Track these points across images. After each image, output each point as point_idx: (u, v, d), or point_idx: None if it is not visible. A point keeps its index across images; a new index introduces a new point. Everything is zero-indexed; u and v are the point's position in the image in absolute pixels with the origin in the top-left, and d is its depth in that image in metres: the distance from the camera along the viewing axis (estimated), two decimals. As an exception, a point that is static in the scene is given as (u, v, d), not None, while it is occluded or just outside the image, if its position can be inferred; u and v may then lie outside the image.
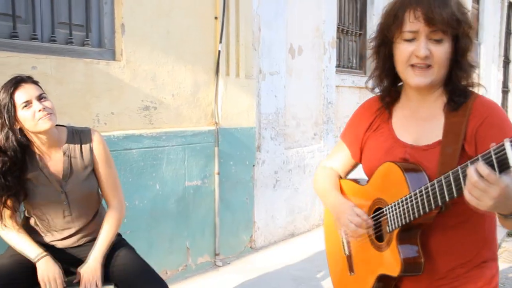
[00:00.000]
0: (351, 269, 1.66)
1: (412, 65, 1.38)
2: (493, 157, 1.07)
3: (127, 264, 2.24)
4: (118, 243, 2.35)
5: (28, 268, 2.10)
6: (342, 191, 1.69)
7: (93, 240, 2.28)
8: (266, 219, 4.66)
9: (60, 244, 2.25)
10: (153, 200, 3.57)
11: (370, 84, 1.58)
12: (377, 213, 1.50)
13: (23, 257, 2.12)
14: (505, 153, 1.03)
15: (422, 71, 1.37)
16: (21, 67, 2.75)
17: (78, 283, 2.16)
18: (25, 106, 2.03)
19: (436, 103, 1.46)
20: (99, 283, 2.15)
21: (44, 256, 2.10)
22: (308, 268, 4.07)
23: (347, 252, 1.68)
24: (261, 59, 4.48)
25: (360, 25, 6.30)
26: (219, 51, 3.99)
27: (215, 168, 4.03)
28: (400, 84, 1.55)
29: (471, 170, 1.10)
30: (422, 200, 1.29)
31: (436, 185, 1.25)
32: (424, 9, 1.33)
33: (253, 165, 4.44)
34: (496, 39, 11.15)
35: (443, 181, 1.23)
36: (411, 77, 1.40)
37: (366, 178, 1.62)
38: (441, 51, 1.35)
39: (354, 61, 6.28)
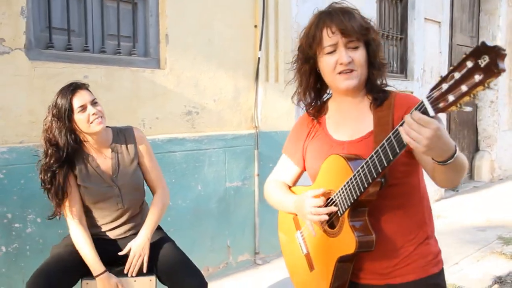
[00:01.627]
0: (311, 266, 1.74)
1: (339, 73, 1.57)
2: (425, 105, 1.24)
3: (168, 256, 2.43)
4: (161, 238, 2.55)
5: (81, 258, 2.32)
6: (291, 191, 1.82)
7: (137, 233, 2.49)
8: (306, 220, 4.78)
9: (111, 234, 2.48)
10: (196, 200, 3.77)
11: (295, 99, 1.76)
12: (328, 202, 1.60)
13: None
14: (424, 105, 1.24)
15: (348, 75, 1.57)
16: (75, 76, 3.00)
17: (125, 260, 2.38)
18: (81, 110, 2.30)
19: (362, 104, 1.66)
20: (146, 258, 2.37)
21: (103, 272, 2.30)
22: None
23: (304, 251, 1.76)
24: (300, 64, 4.61)
25: (401, 30, 6.33)
26: (259, 58, 4.16)
27: (255, 170, 4.20)
28: (325, 97, 1.74)
29: (407, 117, 1.26)
30: (364, 174, 1.43)
31: (373, 157, 1.40)
32: (338, 24, 1.54)
33: (292, 168, 4.56)
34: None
35: (379, 152, 1.38)
36: (340, 82, 1.58)
37: (311, 183, 1.75)
38: (359, 55, 1.57)
39: (395, 65, 6.31)
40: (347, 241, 1.53)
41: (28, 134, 2.86)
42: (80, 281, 2.36)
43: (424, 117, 1.23)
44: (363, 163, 1.44)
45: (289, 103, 4.42)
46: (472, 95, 1.14)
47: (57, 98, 2.31)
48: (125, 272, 2.36)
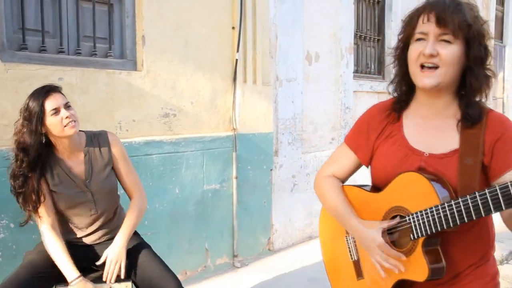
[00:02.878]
0: (359, 274, 1.68)
1: (422, 66, 1.43)
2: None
3: (145, 262, 2.40)
4: (137, 244, 2.51)
5: (55, 264, 2.27)
6: (348, 199, 1.70)
7: (113, 238, 2.46)
8: (284, 222, 4.79)
9: (85, 240, 2.44)
10: (173, 203, 3.74)
11: (391, 88, 1.62)
12: (396, 220, 1.52)
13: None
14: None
15: (429, 72, 1.41)
16: (49, 79, 2.95)
17: (102, 269, 2.34)
18: (54, 113, 2.24)
19: (447, 112, 1.50)
20: (123, 264, 2.33)
21: (78, 277, 2.24)
22: (324, 270, 4.16)
23: (354, 258, 1.70)
24: (278, 66, 4.62)
25: (378, 31, 6.37)
26: (237, 60, 4.15)
27: (233, 172, 4.18)
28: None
29: None
30: (451, 213, 1.34)
31: (469, 201, 1.31)
32: (437, 12, 1.39)
33: (271, 169, 4.57)
34: (522, 41, 11.03)
35: (477, 197, 1.28)
36: (419, 78, 1.44)
37: (364, 183, 1.69)
38: (449, 51, 1.39)
39: (373, 66, 6.36)
40: (417, 267, 1.46)
41: (0, 138, 2.80)
42: (54, 287, 2.31)
43: None
44: (455, 202, 1.34)
45: (267, 105, 4.44)
46: None
47: (29, 101, 2.25)
48: (104, 280, 2.32)
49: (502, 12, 10.14)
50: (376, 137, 1.62)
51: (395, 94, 1.61)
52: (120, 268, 2.33)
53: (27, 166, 2.23)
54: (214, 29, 4.01)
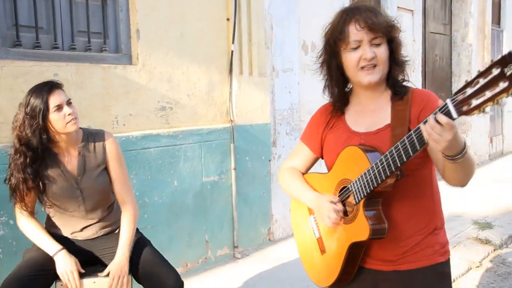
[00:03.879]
0: (322, 250, 1.82)
1: (362, 68, 1.64)
2: (448, 107, 1.31)
3: (144, 256, 2.42)
4: (137, 239, 2.52)
5: (54, 260, 2.29)
6: (308, 184, 1.89)
7: (111, 232, 2.49)
8: (284, 212, 4.80)
9: (80, 236, 2.45)
10: (172, 196, 3.75)
11: (326, 93, 1.83)
12: (343, 191, 1.70)
13: None
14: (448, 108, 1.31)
15: (370, 71, 1.64)
16: (44, 75, 2.95)
17: (99, 267, 2.38)
18: (57, 109, 2.26)
19: (382, 97, 1.73)
20: (126, 278, 2.34)
21: (61, 250, 2.30)
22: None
23: (317, 235, 1.85)
24: (274, 57, 4.61)
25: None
26: (232, 51, 4.14)
27: (232, 163, 4.19)
28: (347, 89, 1.81)
29: (431, 118, 1.34)
30: (383, 167, 1.50)
31: (394, 150, 1.47)
32: (365, 20, 1.60)
33: (269, 160, 4.58)
34: (519, 25, 11.00)
35: (399, 147, 1.45)
36: (363, 77, 1.65)
37: (326, 171, 1.83)
38: (382, 51, 1.63)
39: (370, 54, 6.34)
40: (361, 228, 1.61)
41: (-3, 135, 2.81)
42: (54, 283, 2.33)
43: (450, 122, 1.30)
44: (383, 157, 1.51)
45: (263, 96, 4.44)
46: (495, 101, 1.20)
47: (31, 96, 2.26)
48: None
49: (499, -3, 10.11)
50: (323, 129, 1.84)
51: (329, 96, 1.83)
52: (123, 283, 2.34)
53: (31, 161, 2.25)
54: (209, 21, 4.00)
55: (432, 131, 1.33)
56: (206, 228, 4.05)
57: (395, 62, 1.68)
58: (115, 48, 3.52)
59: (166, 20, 3.68)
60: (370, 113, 1.73)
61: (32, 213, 2.39)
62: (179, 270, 2.47)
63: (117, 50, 3.52)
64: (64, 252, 2.29)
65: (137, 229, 2.57)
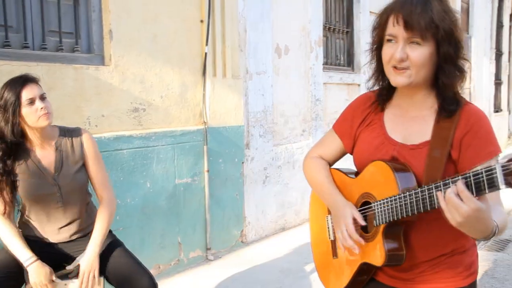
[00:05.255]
0: (334, 253, 1.75)
1: (394, 66, 1.46)
2: (472, 179, 1.20)
3: (117, 258, 2.40)
4: (110, 241, 2.49)
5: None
6: (335, 184, 1.76)
7: (84, 236, 2.45)
8: (257, 214, 4.82)
9: (53, 239, 2.41)
10: (144, 197, 3.73)
11: (371, 83, 1.64)
12: (365, 206, 1.58)
13: None
14: (483, 178, 1.18)
15: (400, 72, 1.45)
16: (14, 74, 2.83)
17: (76, 274, 2.33)
18: (29, 103, 2.24)
19: (424, 104, 1.54)
20: (97, 273, 2.32)
21: (34, 261, 2.24)
22: (297, 261, 4.22)
23: (331, 237, 1.77)
24: (247, 59, 4.63)
25: (347, 23, 6.44)
26: (206, 53, 4.14)
27: (205, 166, 4.19)
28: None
29: (449, 190, 1.24)
30: (411, 202, 1.39)
31: (426, 191, 1.35)
32: (405, 15, 1.41)
33: (242, 162, 4.59)
34: (487, 31, 11.27)
35: (433, 188, 1.32)
36: (392, 77, 1.48)
37: (354, 169, 1.73)
38: (418, 54, 1.41)
39: (342, 58, 6.42)
40: (376, 252, 1.52)
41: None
42: (24, 286, 2.29)
43: (466, 193, 1.20)
44: (415, 191, 1.38)
45: (237, 98, 4.45)
46: None
47: (5, 90, 2.26)
48: None
49: (468, 4, 10.35)
50: (359, 125, 1.68)
51: (374, 89, 1.65)
52: (94, 278, 2.31)
53: (3, 154, 2.23)
54: (183, 22, 4.00)
55: (450, 199, 1.22)
56: (179, 230, 4.03)
57: (442, 71, 1.45)
58: (87, 48, 3.48)
59: (139, 21, 3.66)
60: (410, 120, 1.56)
61: (7, 214, 2.33)
62: (151, 272, 2.45)
63: (90, 50, 3.48)
64: (38, 263, 2.24)
65: (110, 231, 2.55)
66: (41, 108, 2.25)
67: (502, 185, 1.13)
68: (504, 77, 12.66)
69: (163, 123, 3.88)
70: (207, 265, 4.20)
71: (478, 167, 1.21)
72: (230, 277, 3.91)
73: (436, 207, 1.32)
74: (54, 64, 3.18)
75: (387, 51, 1.46)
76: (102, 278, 2.37)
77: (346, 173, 1.74)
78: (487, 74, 11.43)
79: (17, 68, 2.96)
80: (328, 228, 1.79)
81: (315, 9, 5.51)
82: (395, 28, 1.43)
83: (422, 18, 1.38)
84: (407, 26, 1.40)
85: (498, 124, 11.95)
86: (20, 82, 2.28)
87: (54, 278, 2.26)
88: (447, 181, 1.28)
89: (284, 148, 5.17)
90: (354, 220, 1.57)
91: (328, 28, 6.07)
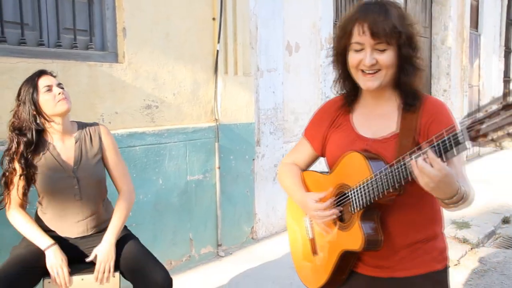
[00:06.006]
0: (314, 251, 1.81)
1: (362, 70, 1.58)
2: (441, 147, 1.29)
3: (132, 253, 2.43)
4: (125, 235, 2.53)
5: (42, 257, 2.29)
6: (306, 182, 1.86)
7: (100, 231, 2.48)
8: (267, 210, 4.84)
9: (70, 233, 2.44)
10: (157, 194, 3.76)
11: (337, 88, 1.76)
12: (341, 196, 1.66)
13: (37, 247, 2.31)
14: (450, 142, 1.27)
15: (371, 76, 1.57)
16: (29, 72, 2.89)
17: (92, 265, 2.36)
18: (47, 90, 2.31)
19: (389, 102, 1.66)
20: (112, 263, 2.36)
21: (52, 245, 2.30)
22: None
23: (310, 236, 1.82)
24: (258, 56, 4.65)
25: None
26: (218, 51, 4.16)
27: (216, 162, 4.22)
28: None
29: (419, 154, 1.33)
30: (382, 181, 1.46)
31: (394, 167, 1.43)
32: (369, 24, 1.51)
33: (253, 159, 4.61)
34: (496, 29, 11.22)
35: (402, 164, 1.41)
36: (362, 81, 1.60)
37: (327, 170, 1.79)
38: (385, 58, 1.54)
39: (352, 55, 6.41)
40: (354, 238, 1.58)
41: (-18, 132, 2.79)
42: (42, 280, 2.33)
43: (437, 161, 1.29)
44: (385, 170, 1.46)
45: (248, 95, 4.47)
46: None
47: (22, 85, 2.34)
48: (95, 281, 2.33)
49: (477, 1, 10.30)
50: (328, 127, 1.78)
51: (341, 92, 1.76)
52: (110, 268, 2.35)
53: (25, 147, 2.27)
54: (195, 20, 4.02)
55: (423, 167, 1.31)
56: (190, 227, 4.06)
57: (404, 69, 1.58)
58: (101, 46, 3.51)
59: (152, 19, 3.69)
60: (377, 118, 1.67)
61: (22, 206, 2.39)
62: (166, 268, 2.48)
63: (103, 48, 3.52)
64: (56, 247, 2.30)
65: (125, 227, 2.58)
66: (59, 93, 2.32)
67: (468, 144, 1.24)
68: (513, 75, 12.60)
69: (175, 120, 3.90)
70: (218, 261, 4.23)
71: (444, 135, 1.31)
72: (242, 273, 3.93)
73: (409, 178, 1.40)
74: (68, 61, 3.22)
75: (355, 57, 1.57)
76: (117, 273, 2.40)
77: (320, 172, 1.82)
78: (496, 72, 11.39)
79: (32, 66, 2.99)
80: (306, 227, 1.86)
81: (325, 6, 5.52)
82: (361, 37, 1.53)
83: (386, 25, 1.50)
84: (374, 34, 1.51)
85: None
86: (37, 73, 2.37)
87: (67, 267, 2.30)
88: (416, 152, 1.37)
89: (294, 145, 5.17)
90: (321, 200, 1.68)
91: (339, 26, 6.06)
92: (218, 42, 4.15)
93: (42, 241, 2.31)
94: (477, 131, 1.21)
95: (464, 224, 5.19)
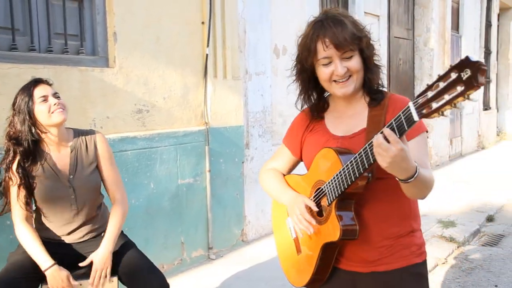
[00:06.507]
0: (298, 249, 1.86)
1: (335, 81, 1.68)
2: (394, 125, 1.39)
3: (130, 258, 2.44)
4: (122, 241, 2.55)
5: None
6: (288, 185, 1.93)
7: (97, 236, 2.49)
8: (257, 213, 4.88)
9: (67, 239, 2.45)
10: (148, 198, 3.77)
11: (299, 104, 1.87)
12: (317, 192, 1.73)
13: None
14: (402, 118, 1.36)
15: (344, 84, 1.67)
16: (21, 77, 2.92)
17: (88, 270, 2.37)
18: (43, 100, 2.30)
19: (359, 103, 1.77)
20: (109, 271, 2.36)
21: (52, 265, 2.28)
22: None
23: (293, 235, 1.89)
24: (247, 60, 4.68)
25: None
26: (207, 55, 4.19)
27: (206, 166, 4.23)
28: (327, 94, 1.84)
29: (378, 134, 1.41)
30: (351, 168, 1.54)
31: (361, 154, 1.51)
32: (331, 37, 1.61)
33: (242, 162, 4.64)
34: (476, 31, 11.42)
35: (367, 149, 1.49)
36: (336, 90, 1.69)
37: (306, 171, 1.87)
38: (354, 63, 1.66)
39: (337, 58, 6.47)
40: (332, 229, 1.64)
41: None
42: (40, 286, 2.33)
43: (392, 136, 1.37)
44: (352, 158, 1.54)
45: (237, 99, 4.50)
46: (453, 105, 1.24)
47: (18, 93, 2.32)
48: (92, 287, 2.34)
49: (458, 4, 10.47)
50: (303, 132, 1.88)
51: (305, 107, 1.87)
52: (106, 275, 2.36)
53: (21, 157, 2.26)
54: (184, 24, 4.04)
55: (380, 144, 1.38)
56: (182, 230, 4.07)
57: (369, 70, 1.71)
58: (92, 50, 3.51)
59: (143, 24, 3.70)
60: (348, 118, 1.77)
61: (26, 219, 2.36)
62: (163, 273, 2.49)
63: (94, 52, 3.51)
64: (55, 267, 2.28)
65: (122, 232, 2.59)
66: (55, 104, 2.30)
67: (416, 117, 1.31)
68: (492, 76, 12.81)
69: (166, 124, 3.92)
70: (209, 264, 4.24)
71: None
72: (233, 276, 3.96)
73: (372, 160, 1.47)
74: (60, 67, 3.21)
75: (325, 71, 1.66)
76: (115, 278, 2.42)
77: (299, 174, 1.91)
78: (477, 73, 11.55)
79: (24, 71, 3.00)
80: (289, 228, 1.92)
81: (312, 10, 5.57)
82: (327, 51, 1.62)
83: (346, 34, 1.60)
84: (337, 46, 1.61)
85: (487, 121, 12.11)
86: (32, 82, 2.35)
87: (72, 281, 2.29)
88: (369, 142, 1.47)
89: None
90: (307, 207, 1.72)
91: (324, 29, 6.12)
92: (208, 46, 4.17)
93: (42, 261, 2.28)
94: (422, 104, 1.29)
95: (450, 223, 5.29)
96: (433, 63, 8.92)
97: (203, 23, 4.18)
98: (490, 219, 5.70)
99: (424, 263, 1.78)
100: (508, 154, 10.60)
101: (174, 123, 3.99)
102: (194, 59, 4.14)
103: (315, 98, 1.82)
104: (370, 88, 1.72)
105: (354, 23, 1.66)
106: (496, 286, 3.88)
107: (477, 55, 11.45)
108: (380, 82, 1.75)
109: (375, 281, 1.73)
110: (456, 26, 10.44)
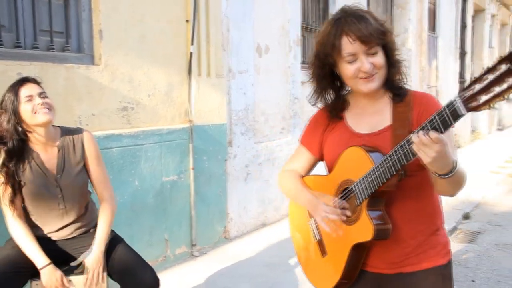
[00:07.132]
0: (323, 252, 1.81)
1: (361, 78, 1.64)
2: (438, 120, 1.36)
3: (120, 254, 2.47)
4: (112, 238, 2.56)
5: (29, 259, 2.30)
6: (308, 187, 1.87)
7: (86, 232, 2.51)
8: (239, 210, 4.92)
9: (55, 236, 2.46)
10: (133, 195, 3.78)
11: (313, 101, 1.82)
12: (345, 192, 1.68)
13: None
14: (447, 113, 1.33)
15: (369, 79, 1.64)
16: (7, 74, 2.92)
17: (81, 271, 2.39)
18: (28, 100, 2.29)
19: (382, 99, 1.73)
20: (101, 270, 2.39)
21: (47, 265, 2.30)
22: (279, 255, 4.34)
23: (318, 237, 1.83)
24: (230, 58, 4.72)
25: (323, 23, 6.57)
26: (191, 53, 4.21)
27: (190, 163, 4.26)
28: (345, 92, 1.81)
29: (418, 129, 1.39)
30: (386, 166, 1.51)
31: (398, 151, 1.48)
32: (356, 32, 1.58)
33: (225, 160, 4.68)
34: (452, 32, 11.64)
35: (404, 146, 1.46)
36: (362, 86, 1.65)
37: (326, 173, 1.83)
38: (379, 59, 1.63)
39: (318, 57, 6.55)
40: (364, 229, 1.60)
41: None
42: (29, 281, 2.34)
43: (435, 134, 1.34)
44: (386, 157, 1.51)
45: (220, 97, 4.54)
46: (504, 97, 1.22)
47: (6, 92, 2.31)
48: None
49: (434, 5, 10.66)
50: (323, 132, 1.83)
51: (318, 105, 1.82)
52: (99, 274, 2.38)
53: (6, 156, 2.26)
54: (169, 23, 4.06)
55: (421, 141, 1.36)
56: (166, 227, 4.10)
57: (391, 64, 1.67)
58: (77, 48, 3.51)
59: (128, 21, 3.71)
60: (370, 115, 1.73)
61: (18, 216, 2.36)
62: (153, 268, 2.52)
63: (80, 50, 3.51)
64: (51, 267, 2.30)
65: (112, 229, 2.61)
66: (40, 103, 2.29)
67: (464, 111, 1.28)
68: (467, 76, 13.08)
69: (150, 122, 3.93)
70: (192, 261, 4.28)
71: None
72: (217, 272, 4.00)
73: (411, 156, 1.45)
74: (46, 64, 3.20)
75: (351, 68, 1.62)
76: (105, 274, 2.43)
77: (319, 175, 1.86)
78: (453, 73, 11.81)
79: (10, 68, 2.98)
80: (312, 230, 1.87)
81: (293, 9, 5.63)
82: (352, 46, 1.59)
83: (371, 29, 1.58)
84: (364, 41, 1.58)
85: (462, 121, 12.30)
86: (19, 81, 2.34)
87: (65, 281, 2.31)
88: (408, 139, 1.44)
89: (265, 146, 5.28)
90: (335, 206, 1.68)
91: (306, 28, 6.20)
92: (192, 44, 4.20)
93: (38, 259, 2.30)
94: (469, 97, 1.26)
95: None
96: (410, 63, 9.07)
97: (187, 21, 4.21)
98: (466, 216, 5.85)
99: (449, 264, 1.75)
100: (483, 152, 10.85)
101: (159, 120, 4.01)
102: (179, 57, 4.17)
103: (333, 97, 1.78)
104: (392, 83, 1.70)
105: (375, 18, 1.63)
106: (473, 281, 4.00)
107: (453, 56, 11.69)
108: (402, 78, 1.72)
109: (400, 283, 1.70)
110: (432, 27, 10.64)
